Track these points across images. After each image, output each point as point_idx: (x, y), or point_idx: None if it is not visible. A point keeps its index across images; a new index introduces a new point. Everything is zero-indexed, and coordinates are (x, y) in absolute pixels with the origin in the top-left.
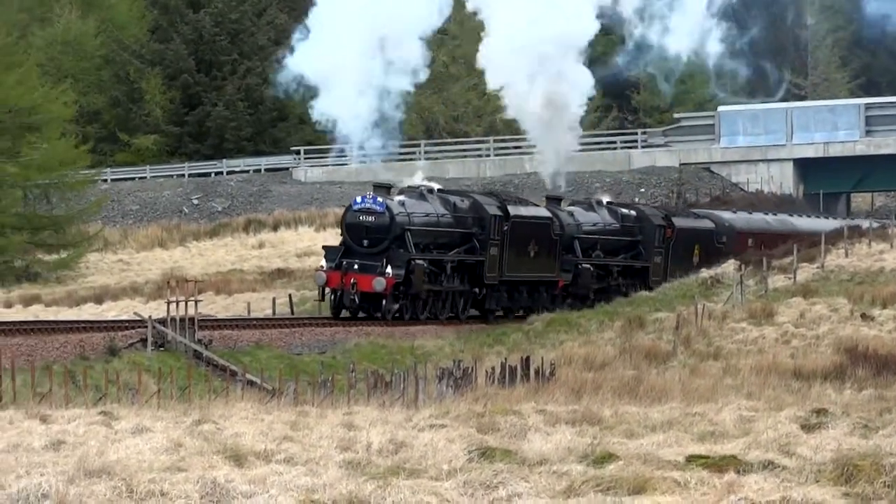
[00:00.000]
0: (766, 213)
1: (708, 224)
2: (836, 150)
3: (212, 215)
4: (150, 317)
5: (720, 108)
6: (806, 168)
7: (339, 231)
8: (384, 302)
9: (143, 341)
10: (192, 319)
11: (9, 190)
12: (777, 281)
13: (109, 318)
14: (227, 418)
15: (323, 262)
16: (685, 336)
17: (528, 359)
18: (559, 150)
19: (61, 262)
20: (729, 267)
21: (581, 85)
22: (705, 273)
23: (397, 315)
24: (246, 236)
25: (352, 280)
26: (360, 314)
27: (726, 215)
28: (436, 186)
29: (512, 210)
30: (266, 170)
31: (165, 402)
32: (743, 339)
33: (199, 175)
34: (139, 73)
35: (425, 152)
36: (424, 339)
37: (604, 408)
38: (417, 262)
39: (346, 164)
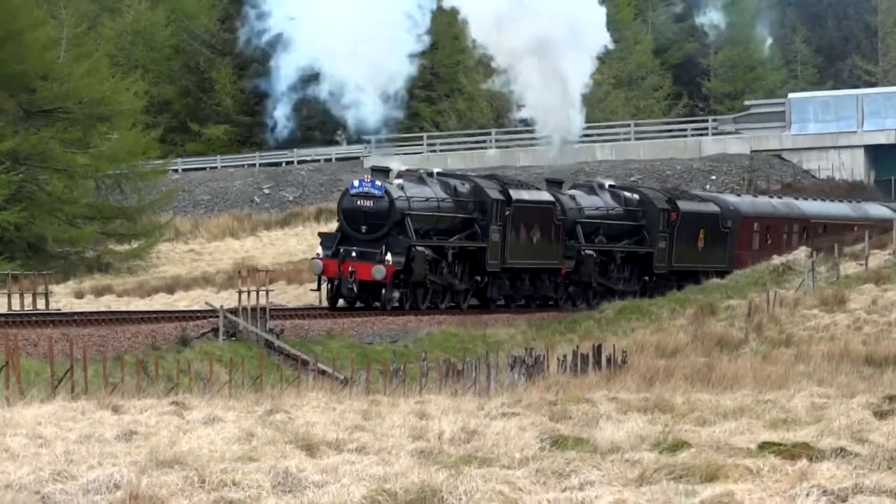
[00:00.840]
0: (773, 198)
1: (713, 208)
2: None
3: (283, 205)
4: (221, 307)
5: (790, 96)
6: (877, 154)
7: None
8: (384, 291)
9: (215, 331)
10: (263, 309)
11: (80, 181)
12: (848, 268)
13: (181, 308)
14: (299, 408)
15: (319, 250)
16: (757, 323)
17: (599, 346)
18: (560, 128)
19: (133, 253)
20: (800, 254)
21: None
22: (777, 260)
23: (397, 305)
24: (317, 225)
25: (350, 268)
26: (358, 304)
27: (731, 199)
28: (435, 170)
29: (514, 194)
30: (336, 159)
31: (237, 391)
32: (815, 325)
33: (270, 165)
34: (209, 63)
35: (496, 140)
36: (496, 328)
37: (676, 395)
38: (418, 248)
39: (418, 153)
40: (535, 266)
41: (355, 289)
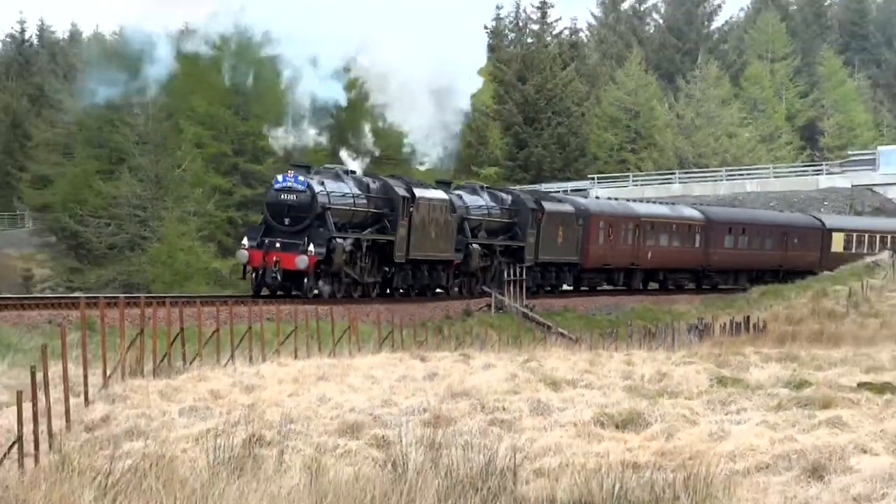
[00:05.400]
0: (613, 200)
1: (569, 208)
2: None
3: None
4: (494, 290)
5: (879, 148)
6: None
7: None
8: (306, 280)
9: (489, 306)
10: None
11: None
12: None
13: None
14: (546, 358)
15: (245, 241)
16: (855, 302)
17: (748, 317)
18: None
19: None
20: (884, 254)
21: None
22: (868, 259)
23: (317, 294)
24: None
25: (274, 258)
26: (279, 293)
27: (582, 200)
28: (349, 168)
29: (418, 192)
30: (572, 190)
31: (504, 347)
32: (894, 303)
33: None
34: (485, 125)
35: (679, 178)
36: (678, 305)
37: (800, 350)
38: (338, 240)
39: (625, 186)
40: (433, 258)
41: (279, 277)
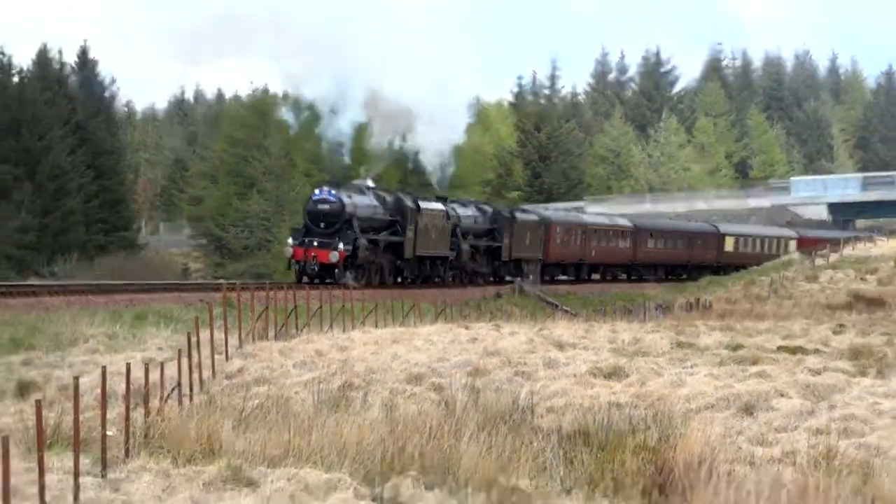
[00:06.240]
0: (569, 211)
1: (535, 217)
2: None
3: None
4: (517, 279)
5: (791, 178)
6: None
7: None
8: (336, 271)
9: (514, 291)
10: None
11: None
12: (819, 261)
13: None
14: (554, 328)
15: (290, 240)
16: (775, 288)
17: (699, 299)
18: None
19: None
20: (795, 254)
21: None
22: (784, 257)
23: (345, 281)
24: None
25: (312, 254)
26: (315, 280)
27: (543, 212)
28: (370, 184)
29: (422, 204)
30: (573, 208)
31: (524, 320)
32: (803, 290)
33: None
34: (510, 161)
35: (649, 199)
36: (647, 290)
37: (736, 323)
38: (361, 240)
39: (611, 205)
40: (434, 255)
41: (316, 269)
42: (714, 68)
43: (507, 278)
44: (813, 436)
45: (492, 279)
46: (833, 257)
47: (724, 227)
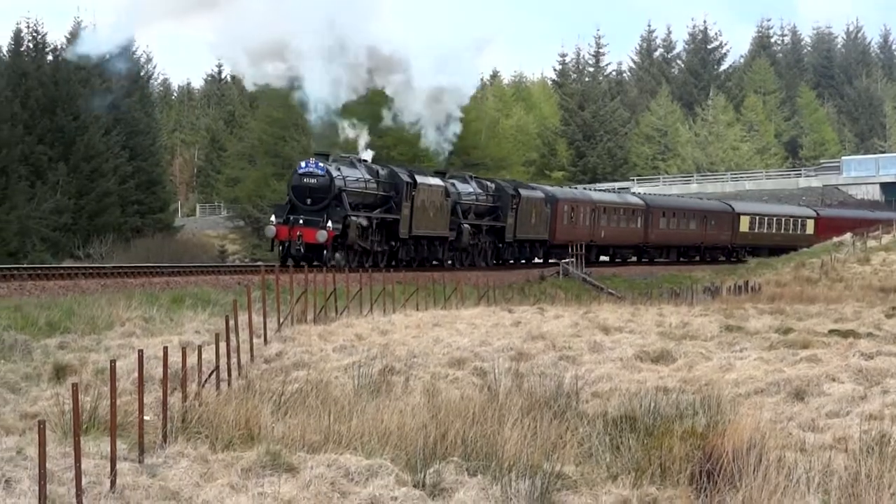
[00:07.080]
0: (575, 188)
1: (540, 194)
2: None
3: None
4: (562, 261)
5: (843, 158)
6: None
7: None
8: (325, 252)
9: (558, 273)
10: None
11: None
12: (871, 242)
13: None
14: (599, 311)
15: (273, 218)
16: (825, 271)
17: (747, 282)
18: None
19: None
20: (847, 235)
21: None
22: (836, 239)
23: (333, 263)
24: None
25: (298, 233)
26: (301, 263)
27: (550, 189)
28: (361, 157)
29: (419, 178)
30: (619, 188)
31: (568, 303)
32: (855, 272)
33: None
34: (554, 139)
35: (696, 179)
36: (695, 273)
37: (786, 306)
38: (352, 218)
39: (657, 185)
40: (431, 235)
41: (302, 250)
42: (762, 45)
43: (546, 260)
44: (865, 421)
45: (494, 262)
46: (886, 239)
47: (738, 206)
